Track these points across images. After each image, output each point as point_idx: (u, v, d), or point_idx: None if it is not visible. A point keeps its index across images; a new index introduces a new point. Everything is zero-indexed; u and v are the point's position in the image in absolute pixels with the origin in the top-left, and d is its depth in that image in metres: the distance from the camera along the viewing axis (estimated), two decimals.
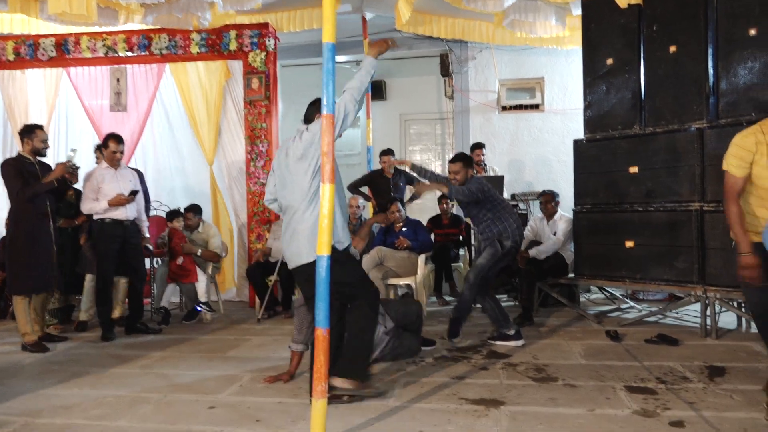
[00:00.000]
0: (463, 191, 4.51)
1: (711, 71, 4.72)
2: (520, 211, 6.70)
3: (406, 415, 3.18)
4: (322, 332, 2.78)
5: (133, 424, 3.15)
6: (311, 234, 3.21)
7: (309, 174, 3.28)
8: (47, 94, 7.20)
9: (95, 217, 5.18)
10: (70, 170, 4.95)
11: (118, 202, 5.07)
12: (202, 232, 6.27)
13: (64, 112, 7.34)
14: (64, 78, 7.18)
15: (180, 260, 5.93)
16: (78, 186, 5.62)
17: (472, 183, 4.59)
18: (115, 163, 5.20)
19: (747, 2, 4.50)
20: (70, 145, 7.22)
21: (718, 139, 4.59)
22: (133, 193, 5.16)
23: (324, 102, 2.83)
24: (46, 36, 6.74)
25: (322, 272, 2.79)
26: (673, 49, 4.90)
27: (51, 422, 3.20)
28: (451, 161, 4.76)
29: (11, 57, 6.79)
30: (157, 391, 3.70)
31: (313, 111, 3.48)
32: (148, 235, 5.58)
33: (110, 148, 5.15)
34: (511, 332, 4.59)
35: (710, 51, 4.72)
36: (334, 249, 2.99)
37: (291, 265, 3.42)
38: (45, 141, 4.95)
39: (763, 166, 3.02)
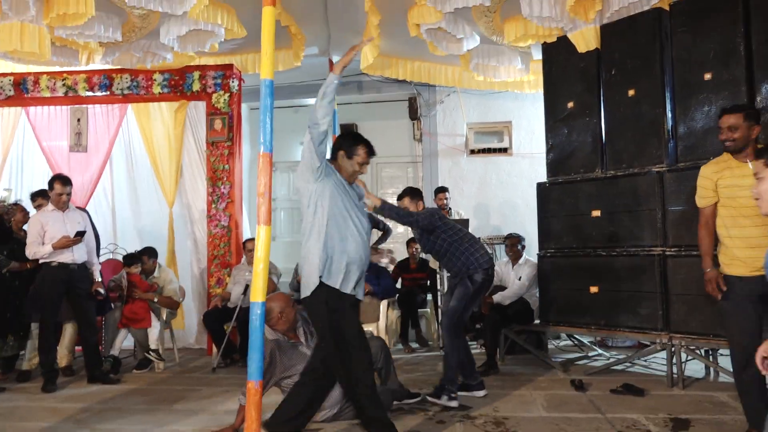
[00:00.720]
0: (402, 213, 4.21)
1: (669, 115, 4.72)
2: None
3: None
4: (254, 385, 2.59)
5: None
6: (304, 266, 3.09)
7: (304, 204, 3.14)
8: (3, 134, 6.99)
9: (41, 261, 4.96)
10: (5, 210, 4.77)
11: (62, 244, 4.86)
12: (158, 277, 6.03)
13: (20, 152, 7.13)
14: (23, 117, 7.01)
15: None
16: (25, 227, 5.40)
17: (423, 216, 4.30)
18: (61, 205, 5.02)
19: (701, 47, 4.53)
20: (28, 185, 7.01)
21: (678, 182, 4.55)
22: (80, 233, 4.95)
23: (260, 139, 2.72)
24: (3, 75, 6.61)
25: (255, 320, 2.61)
26: (631, 92, 4.90)
27: None
28: (398, 198, 4.59)
29: None
30: None
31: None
32: (99, 279, 5.32)
33: (56, 190, 4.97)
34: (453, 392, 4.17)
35: (668, 95, 4.73)
36: (329, 289, 2.95)
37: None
38: None
39: (729, 186, 3.15)
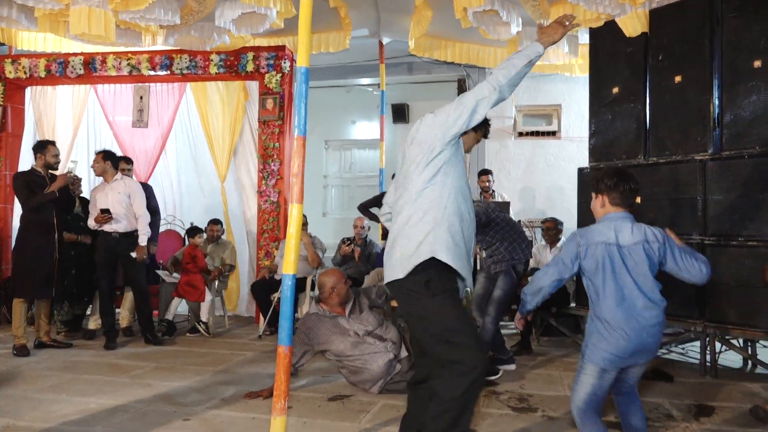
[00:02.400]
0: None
1: (716, 102, 4.62)
2: None
3: None
4: (283, 350, 2.81)
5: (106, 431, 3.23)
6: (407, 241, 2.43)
7: (420, 166, 2.47)
8: (74, 110, 7.51)
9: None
10: (71, 181, 5.17)
11: (96, 221, 5.32)
12: (221, 245, 6.50)
13: (89, 126, 7.63)
14: (92, 94, 7.49)
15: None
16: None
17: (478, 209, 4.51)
18: (105, 176, 5.45)
19: (752, 34, 4.41)
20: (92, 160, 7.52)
21: (721, 171, 4.49)
22: (103, 211, 5.28)
23: (295, 123, 2.90)
24: (75, 54, 7.05)
25: (286, 291, 2.83)
26: (678, 79, 4.82)
27: (30, 425, 3.31)
28: None
29: (43, 74, 7.11)
30: (139, 400, 3.78)
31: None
32: (143, 244, 5.50)
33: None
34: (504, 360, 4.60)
35: (715, 82, 4.62)
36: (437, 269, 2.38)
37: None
38: (56, 156, 5.22)
39: None
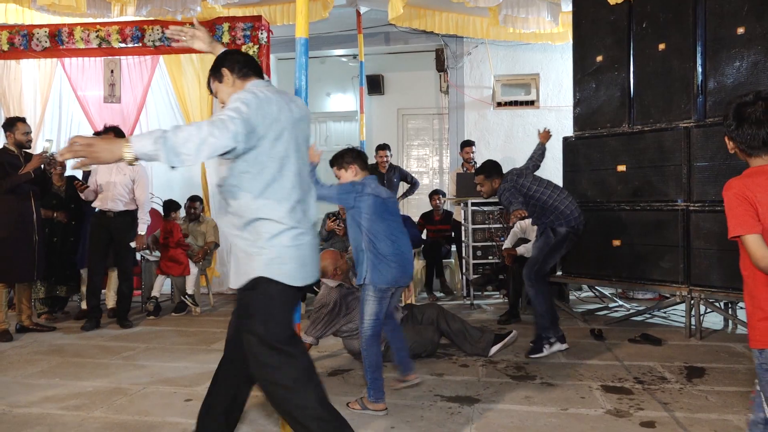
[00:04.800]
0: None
1: (699, 69, 4.69)
2: None
3: None
4: None
5: (108, 415, 3.17)
6: None
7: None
8: (41, 85, 7.20)
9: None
10: (46, 161, 4.98)
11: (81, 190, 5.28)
12: (202, 223, 6.37)
13: (57, 102, 7.35)
14: (59, 69, 7.19)
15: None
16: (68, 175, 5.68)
17: (502, 194, 4.30)
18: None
19: (735, 1, 4.47)
20: (66, 135, 7.26)
21: (705, 138, 4.58)
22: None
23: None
24: (39, 26, 6.70)
25: None
26: (662, 46, 4.87)
27: (28, 411, 3.23)
28: (475, 173, 4.63)
29: (5, 47, 6.74)
30: (136, 382, 3.72)
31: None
32: (143, 233, 5.42)
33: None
34: (553, 338, 4.21)
35: (699, 49, 4.69)
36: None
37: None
38: (27, 133, 5.00)
39: None
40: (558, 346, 4.21)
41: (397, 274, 3.18)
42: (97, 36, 6.69)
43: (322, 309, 3.97)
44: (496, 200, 4.53)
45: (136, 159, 1.84)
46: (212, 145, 1.91)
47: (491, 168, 4.52)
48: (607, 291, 6.34)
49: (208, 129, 1.90)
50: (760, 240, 1.80)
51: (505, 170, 4.55)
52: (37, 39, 6.71)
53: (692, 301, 4.66)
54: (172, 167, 1.89)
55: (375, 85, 9.11)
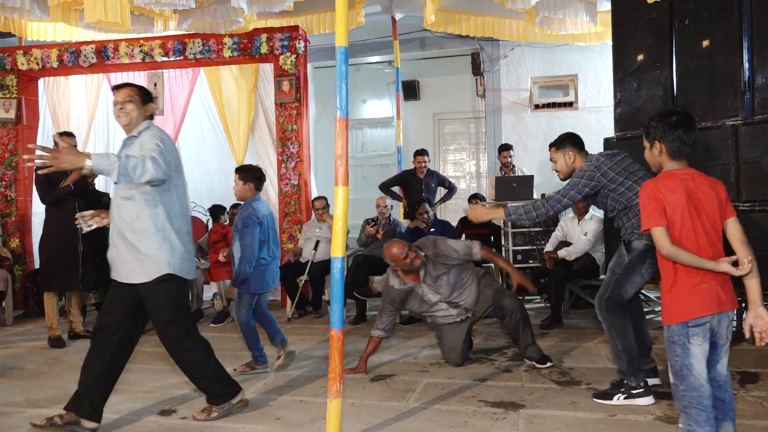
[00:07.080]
0: (529, 211, 3.43)
1: (746, 66, 4.55)
2: None
3: (423, 416, 3.19)
4: (336, 333, 2.81)
5: (161, 420, 3.24)
6: None
7: None
8: (88, 100, 7.45)
9: None
10: (86, 173, 5.12)
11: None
12: None
13: (105, 116, 7.59)
14: (105, 84, 7.43)
15: (222, 255, 6.02)
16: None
17: (576, 175, 3.41)
18: None
19: None
20: (113, 148, 7.49)
21: (753, 135, 4.43)
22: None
23: (337, 105, 2.87)
24: (86, 43, 6.98)
25: (336, 274, 2.82)
26: (705, 43, 4.75)
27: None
28: (549, 147, 3.76)
29: (55, 64, 7.05)
30: (180, 387, 3.80)
31: None
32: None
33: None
34: (637, 388, 3.25)
35: (745, 45, 4.55)
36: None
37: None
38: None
39: None
40: (639, 401, 3.21)
41: None
42: (141, 50, 6.94)
43: (383, 304, 4.24)
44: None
45: (91, 171, 2.70)
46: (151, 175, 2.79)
47: (565, 138, 3.62)
48: (652, 294, 6.19)
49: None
50: (664, 232, 2.20)
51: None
52: (84, 55, 6.99)
53: (744, 304, 4.51)
54: (115, 182, 2.78)
55: (411, 90, 9.14)
